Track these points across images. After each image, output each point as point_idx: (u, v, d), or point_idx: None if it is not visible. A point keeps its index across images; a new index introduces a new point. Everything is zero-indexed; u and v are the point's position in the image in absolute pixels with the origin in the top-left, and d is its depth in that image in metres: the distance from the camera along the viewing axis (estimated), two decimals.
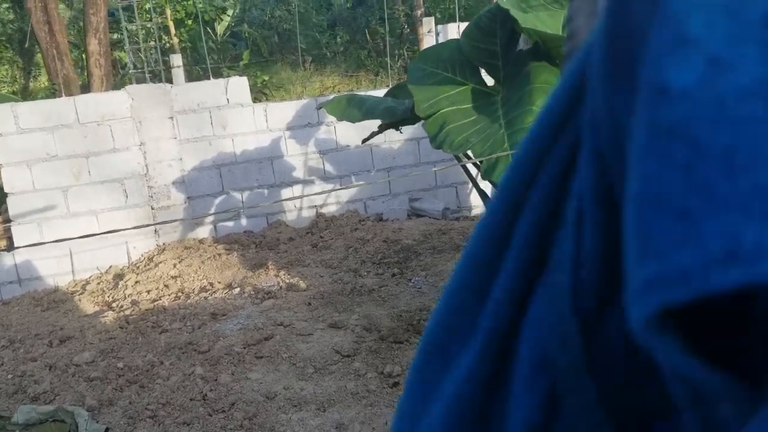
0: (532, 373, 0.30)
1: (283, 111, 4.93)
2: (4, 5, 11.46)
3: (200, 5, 10.24)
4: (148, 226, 4.51)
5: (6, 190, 4.46)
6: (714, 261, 0.18)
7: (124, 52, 8.82)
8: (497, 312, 0.31)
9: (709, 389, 0.22)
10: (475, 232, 0.34)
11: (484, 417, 0.32)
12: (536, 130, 0.31)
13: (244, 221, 4.96)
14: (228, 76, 6.49)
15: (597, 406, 0.29)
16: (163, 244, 4.75)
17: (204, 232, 4.89)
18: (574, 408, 0.29)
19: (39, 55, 9.89)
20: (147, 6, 9.29)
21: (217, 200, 4.90)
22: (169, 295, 3.99)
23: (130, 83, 6.75)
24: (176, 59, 6.21)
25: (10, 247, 4.48)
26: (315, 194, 4.85)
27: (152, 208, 4.72)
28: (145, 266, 4.47)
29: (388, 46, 8.51)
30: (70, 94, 6.70)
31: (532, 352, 0.30)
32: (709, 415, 0.23)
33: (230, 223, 4.92)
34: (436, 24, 5.99)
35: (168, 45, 9.20)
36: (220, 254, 4.52)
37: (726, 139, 0.19)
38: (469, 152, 2.87)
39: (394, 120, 3.34)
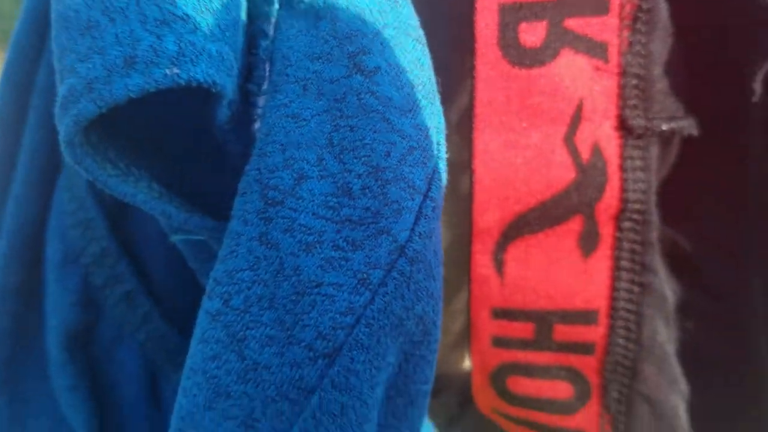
0: (60, 268, 0.28)
1: None
2: None
3: None
4: None
5: None
6: (115, 69, 0.18)
7: None
8: (18, 209, 0.28)
9: (173, 219, 0.22)
10: None
11: (24, 331, 0.29)
12: None
13: None
14: None
15: (141, 295, 0.28)
16: None
17: None
18: (116, 300, 0.28)
19: None
20: None
21: None
22: None
23: None
24: None
25: None
26: None
27: None
28: None
29: None
30: None
31: (57, 245, 0.28)
32: (193, 242, 0.24)
33: None
34: None
35: None
36: None
37: None
38: None
39: None
